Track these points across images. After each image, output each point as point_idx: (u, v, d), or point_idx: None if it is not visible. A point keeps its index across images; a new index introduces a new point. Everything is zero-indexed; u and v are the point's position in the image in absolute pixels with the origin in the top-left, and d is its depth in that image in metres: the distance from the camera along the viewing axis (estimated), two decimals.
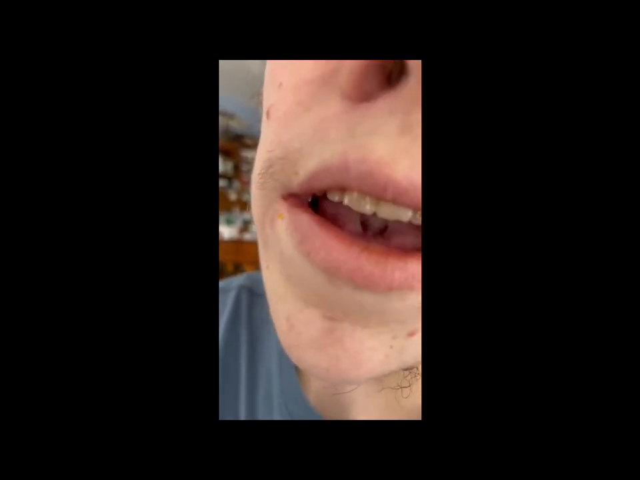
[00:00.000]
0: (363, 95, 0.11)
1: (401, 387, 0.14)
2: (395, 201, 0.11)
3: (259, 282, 0.30)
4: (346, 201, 0.12)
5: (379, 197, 0.11)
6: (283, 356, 0.24)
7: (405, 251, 0.12)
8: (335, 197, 0.12)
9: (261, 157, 0.14)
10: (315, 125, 0.11)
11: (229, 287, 0.30)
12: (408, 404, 0.22)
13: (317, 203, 0.14)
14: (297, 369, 0.24)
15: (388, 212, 0.12)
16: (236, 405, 0.25)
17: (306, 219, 0.12)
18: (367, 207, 0.12)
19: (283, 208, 0.13)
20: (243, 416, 0.24)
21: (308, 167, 0.12)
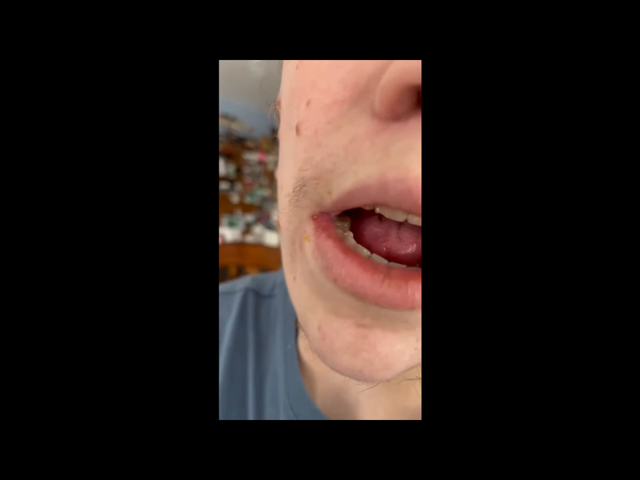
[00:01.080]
0: (395, 115, 0.11)
1: (419, 379, 0.15)
2: None
3: (265, 284, 0.30)
4: (378, 210, 0.12)
5: (417, 214, 0.11)
6: (287, 358, 0.24)
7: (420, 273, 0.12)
8: (367, 207, 0.13)
9: (293, 175, 0.14)
10: (347, 145, 0.12)
11: (235, 290, 0.30)
12: (413, 405, 0.22)
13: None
14: (301, 370, 0.24)
15: (419, 220, 0.12)
16: (244, 407, 0.25)
17: (331, 247, 0.13)
18: (399, 215, 0.12)
19: (310, 229, 0.14)
20: (250, 418, 0.24)
21: (343, 187, 0.12)
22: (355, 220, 0.15)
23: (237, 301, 0.29)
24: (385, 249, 0.14)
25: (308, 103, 0.13)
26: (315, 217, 0.14)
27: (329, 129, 0.12)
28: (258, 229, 2.86)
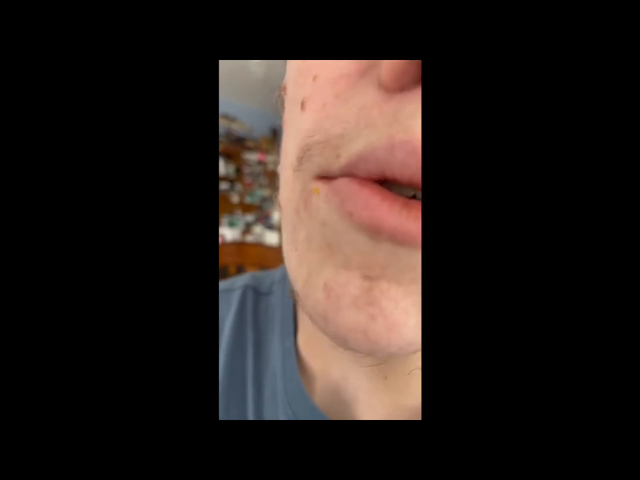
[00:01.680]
0: (400, 86, 0.12)
1: (419, 368, 0.15)
2: None
3: (263, 281, 0.30)
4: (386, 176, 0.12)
5: (419, 177, 0.11)
6: (285, 355, 0.24)
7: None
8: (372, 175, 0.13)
9: (297, 144, 0.14)
10: (358, 112, 0.12)
11: (234, 287, 0.30)
12: (411, 401, 0.21)
13: None
14: (300, 368, 0.24)
15: None
16: (244, 405, 0.25)
17: (345, 182, 0.13)
18: (406, 191, 0.12)
19: (318, 184, 0.14)
20: (250, 416, 0.24)
21: (352, 150, 0.12)
22: None
23: (235, 298, 0.29)
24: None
25: (314, 78, 0.14)
26: (320, 177, 0.14)
27: (337, 102, 0.13)
28: (258, 229, 2.86)
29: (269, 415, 0.24)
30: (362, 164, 0.12)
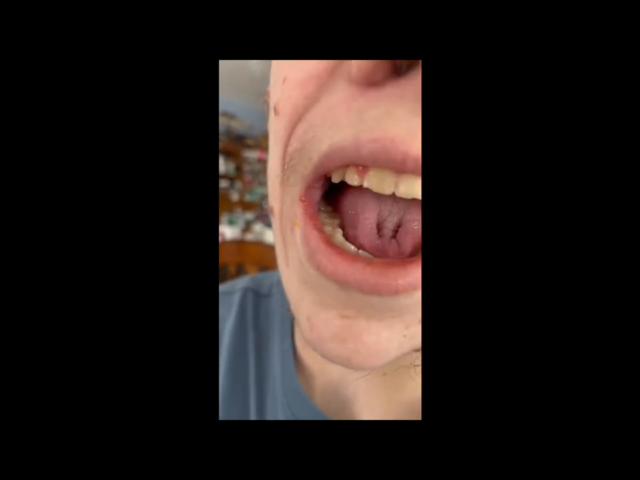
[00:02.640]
0: (371, 82, 0.11)
1: (414, 366, 0.15)
2: (415, 172, 0.12)
3: (263, 283, 0.30)
4: (365, 184, 0.13)
5: (398, 170, 0.12)
6: (284, 356, 0.25)
7: (404, 261, 0.13)
8: (354, 181, 0.13)
9: (277, 154, 0.15)
10: (325, 114, 0.12)
11: (234, 289, 0.30)
12: (408, 398, 0.22)
13: (339, 188, 0.15)
14: (299, 368, 0.24)
15: (406, 190, 0.13)
16: (246, 406, 0.25)
17: (315, 236, 0.13)
18: (386, 188, 0.13)
19: (299, 214, 0.14)
20: (253, 416, 0.24)
21: (320, 151, 0.13)
22: (351, 215, 0.15)
23: (236, 300, 0.29)
24: (376, 247, 0.15)
25: (284, 81, 0.14)
26: (303, 198, 0.14)
27: (308, 104, 0.13)
28: (258, 227, 2.86)
29: (270, 417, 0.24)
30: (328, 162, 0.13)
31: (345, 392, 0.23)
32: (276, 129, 0.14)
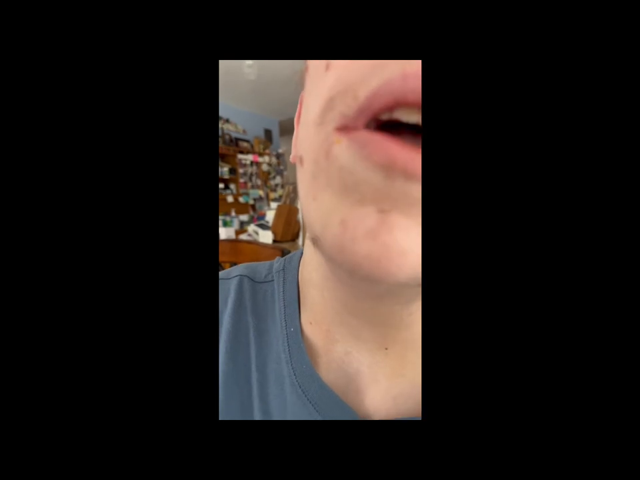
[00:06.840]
0: None
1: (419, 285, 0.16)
2: None
3: (257, 271, 0.31)
4: (395, 115, 0.14)
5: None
6: (291, 339, 0.25)
7: None
8: (384, 116, 0.14)
9: (321, 98, 0.16)
10: (375, 62, 0.14)
11: (229, 276, 0.31)
12: (410, 373, 0.23)
13: None
14: (305, 348, 0.25)
15: None
16: (248, 389, 0.25)
17: (364, 132, 0.14)
18: (414, 118, 0.14)
19: (340, 135, 0.15)
20: (255, 399, 0.25)
21: (369, 87, 0.13)
22: None
23: (232, 286, 0.30)
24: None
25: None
26: (341, 127, 0.15)
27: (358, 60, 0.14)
28: (252, 229, 2.86)
29: (273, 397, 0.25)
30: (378, 99, 0.13)
31: (349, 367, 0.24)
32: (325, 80, 0.15)
